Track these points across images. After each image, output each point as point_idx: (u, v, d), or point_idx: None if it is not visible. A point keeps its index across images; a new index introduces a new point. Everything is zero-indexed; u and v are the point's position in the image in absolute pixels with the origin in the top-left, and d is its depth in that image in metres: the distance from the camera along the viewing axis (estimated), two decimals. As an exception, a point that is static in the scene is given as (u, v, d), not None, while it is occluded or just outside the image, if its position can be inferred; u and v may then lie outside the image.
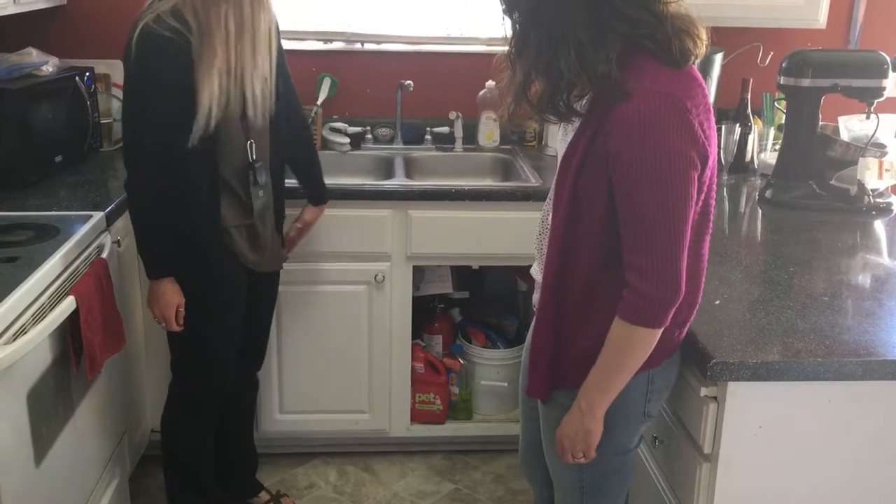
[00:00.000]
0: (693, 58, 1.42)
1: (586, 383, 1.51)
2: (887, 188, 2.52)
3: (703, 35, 1.43)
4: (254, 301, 2.29)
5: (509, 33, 1.43)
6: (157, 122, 1.97)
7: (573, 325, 1.54)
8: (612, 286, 1.45)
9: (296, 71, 2.31)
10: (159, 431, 2.38)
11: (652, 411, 1.61)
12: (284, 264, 2.38)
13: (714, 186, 1.50)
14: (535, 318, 1.63)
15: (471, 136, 3.15)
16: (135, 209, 2.09)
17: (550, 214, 1.59)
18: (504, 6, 1.42)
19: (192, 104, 1.94)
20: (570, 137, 1.52)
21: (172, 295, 2.09)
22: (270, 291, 2.41)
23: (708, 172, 1.44)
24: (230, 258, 2.15)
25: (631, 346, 1.45)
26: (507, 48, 1.44)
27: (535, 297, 1.68)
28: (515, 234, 2.61)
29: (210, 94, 1.94)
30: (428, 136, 3.15)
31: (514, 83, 1.44)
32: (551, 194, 1.62)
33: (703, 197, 1.46)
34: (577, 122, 1.50)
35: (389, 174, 2.90)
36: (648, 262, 1.39)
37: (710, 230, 1.54)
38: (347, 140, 3.06)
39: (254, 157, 2.11)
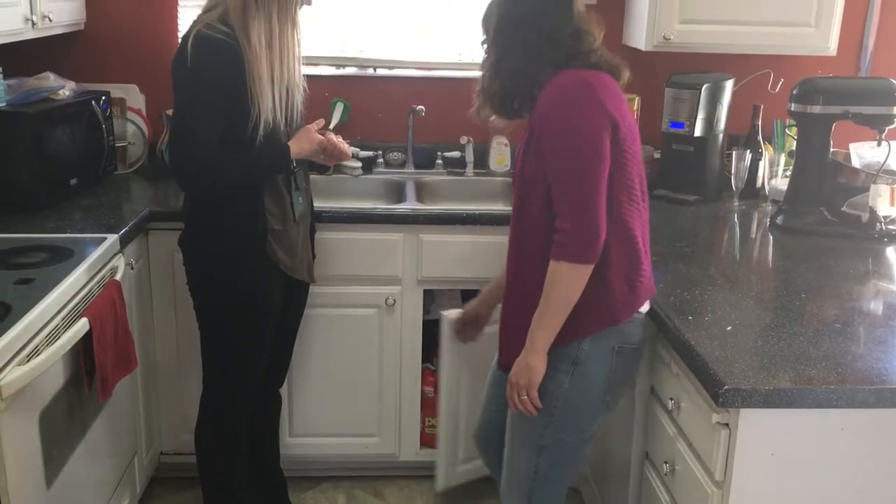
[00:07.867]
0: (610, 68, 1.76)
1: (531, 324, 1.75)
2: (899, 215, 2.51)
3: (623, 67, 1.79)
4: (286, 313, 2.31)
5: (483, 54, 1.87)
6: (215, 117, 2.01)
7: (532, 299, 1.75)
8: None
9: (308, 95, 2.33)
10: (172, 453, 2.38)
11: (611, 402, 1.84)
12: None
13: (638, 157, 1.77)
14: (503, 294, 1.89)
15: (482, 161, 3.16)
16: (217, 187, 2.10)
17: None
18: (482, 33, 1.86)
19: (246, 104, 2.01)
20: None
21: (306, 133, 2.19)
22: (301, 306, 2.43)
23: (627, 140, 1.72)
24: (269, 268, 2.16)
25: (561, 280, 1.70)
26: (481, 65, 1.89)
27: None
28: (526, 259, 2.61)
29: (271, 95, 2.04)
30: (439, 161, 3.17)
31: (481, 90, 1.86)
32: None
33: (622, 159, 1.71)
34: None
35: (401, 198, 2.92)
36: (568, 207, 1.68)
37: (636, 200, 1.76)
38: (359, 164, 3.07)
39: (294, 162, 2.18)
